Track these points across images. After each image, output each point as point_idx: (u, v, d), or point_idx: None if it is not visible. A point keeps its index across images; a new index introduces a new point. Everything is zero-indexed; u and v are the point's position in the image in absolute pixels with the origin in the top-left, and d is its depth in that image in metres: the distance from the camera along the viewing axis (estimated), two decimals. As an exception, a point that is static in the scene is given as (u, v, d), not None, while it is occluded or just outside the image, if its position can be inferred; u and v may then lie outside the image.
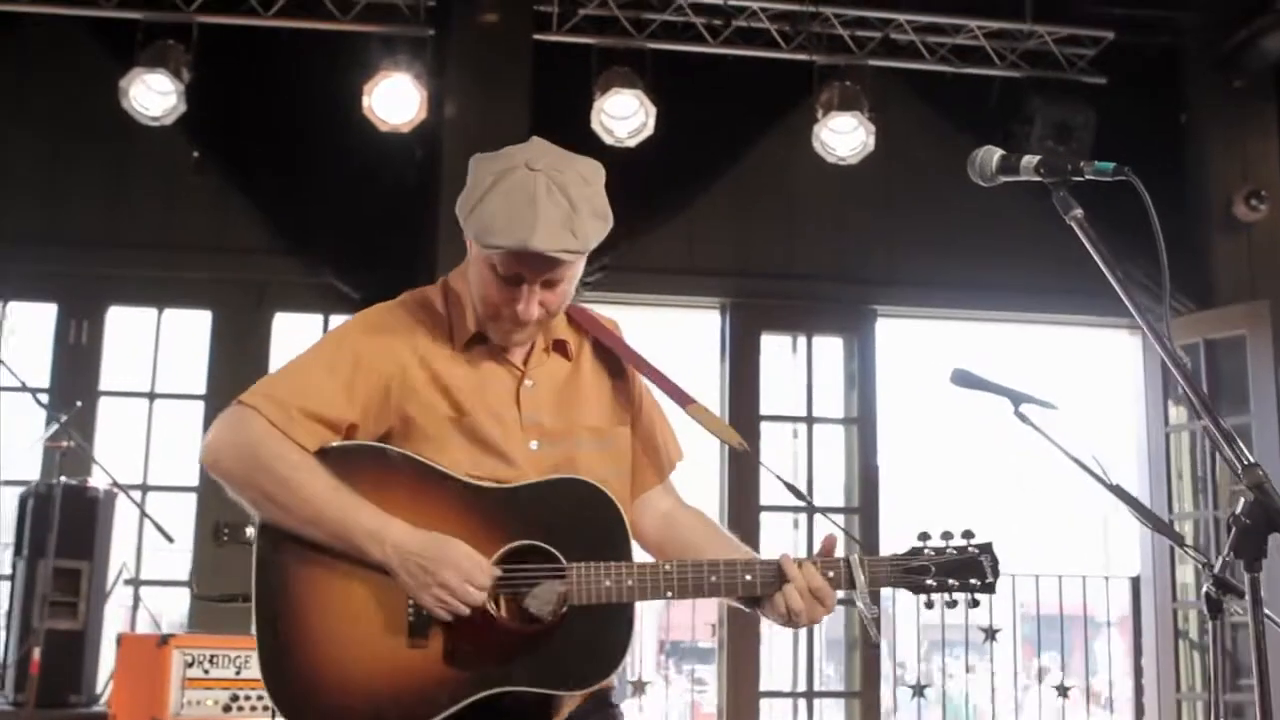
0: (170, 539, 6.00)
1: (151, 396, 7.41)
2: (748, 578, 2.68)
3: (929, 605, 2.74)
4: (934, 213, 7.82)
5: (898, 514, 7.78)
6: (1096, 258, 2.46)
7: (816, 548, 2.75)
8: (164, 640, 4.64)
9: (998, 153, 2.65)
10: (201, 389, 7.38)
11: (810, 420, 7.82)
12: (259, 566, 2.58)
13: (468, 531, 2.60)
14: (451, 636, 2.58)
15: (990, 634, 8.22)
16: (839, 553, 2.72)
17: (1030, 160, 2.58)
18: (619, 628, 2.64)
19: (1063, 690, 8.39)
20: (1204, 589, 2.77)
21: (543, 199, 2.59)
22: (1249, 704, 7.45)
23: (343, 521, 2.56)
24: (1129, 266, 6.92)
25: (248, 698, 4.73)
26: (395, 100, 6.94)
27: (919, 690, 8.25)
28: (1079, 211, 2.50)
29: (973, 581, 2.72)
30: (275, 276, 7.45)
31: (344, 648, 2.57)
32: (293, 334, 7.55)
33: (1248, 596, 2.19)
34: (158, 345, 7.46)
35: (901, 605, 8.92)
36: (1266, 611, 2.97)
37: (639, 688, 7.98)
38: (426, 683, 2.57)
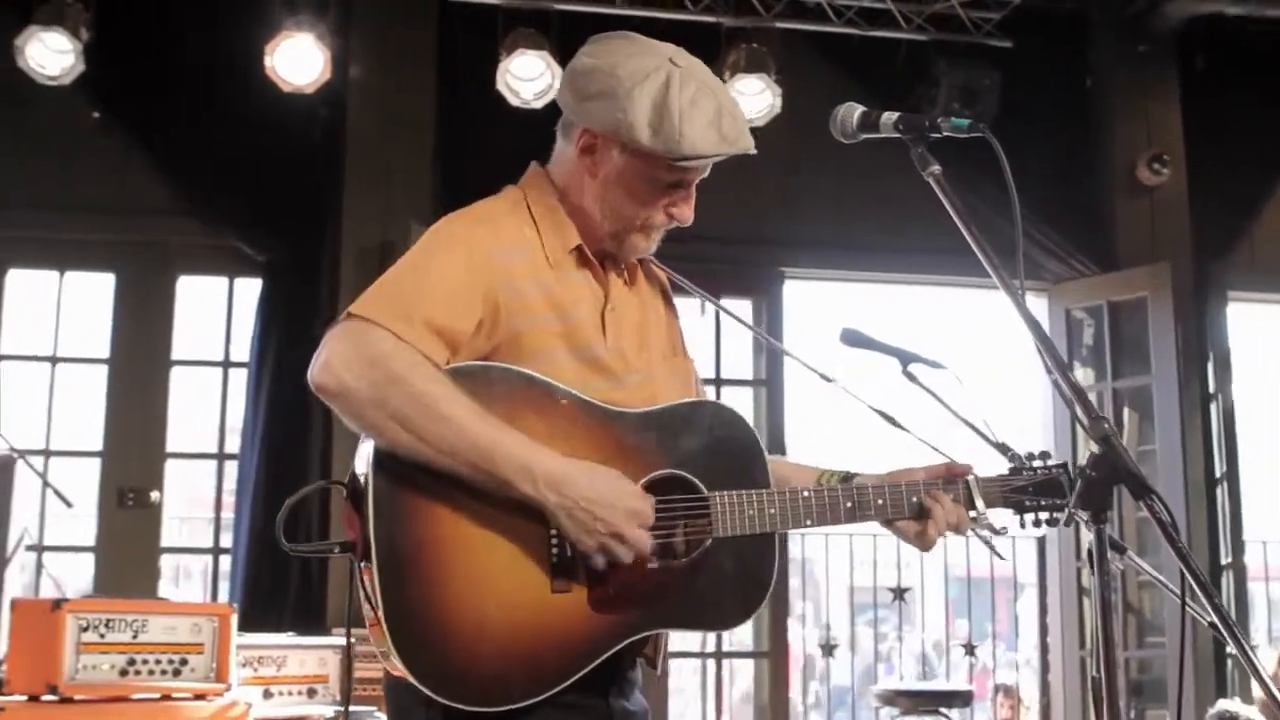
0: (69, 504, 5.91)
1: (54, 360, 7.29)
2: (879, 502, 2.68)
3: (1023, 525, 2.82)
4: (841, 175, 7.83)
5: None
6: (953, 214, 2.48)
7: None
8: (57, 605, 4.54)
9: (859, 109, 2.67)
10: (105, 352, 7.28)
11: (718, 382, 7.85)
12: (377, 507, 2.30)
13: (605, 458, 2.44)
14: (596, 578, 2.40)
15: (899, 594, 8.32)
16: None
17: (890, 117, 2.59)
18: (764, 558, 2.55)
19: (970, 649, 8.51)
20: (1086, 545, 2.83)
21: (725, 99, 2.56)
22: (1155, 659, 7.63)
23: (489, 450, 2.30)
24: (1031, 228, 7.02)
25: (145, 662, 4.66)
26: (298, 61, 6.83)
27: (828, 650, 8.34)
28: (936, 168, 2.51)
29: (1057, 501, 2.79)
30: (178, 238, 7.35)
31: (479, 595, 2.33)
32: (197, 296, 7.48)
33: (1094, 549, 2.22)
34: (59, 308, 7.34)
35: (819, 564, 8.98)
36: (1134, 558, 3.04)
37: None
38: (575, 630, 2.38)
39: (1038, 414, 8.20)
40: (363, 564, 2.34)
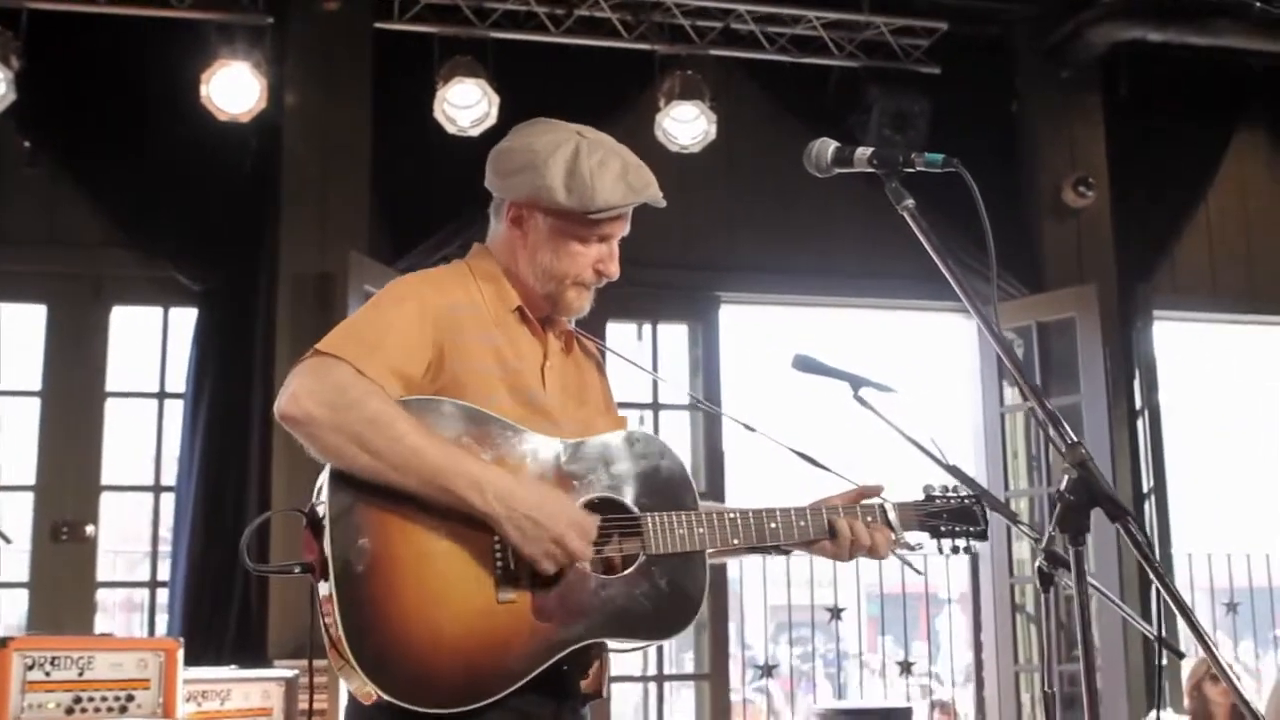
0: (8, 540, 5.84)
1: (-15, 393, 7.20)
2: (801, 524, 2.89)
3: (940, 550, 3.06)
4: (775, 200, 7.93)
5: (744, 498, 7.86)
6: (928, 247, 2.53)
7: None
8: (3, 643, 4.52)
9: (832, 145, 2.73)
10: (37, 385, 7.19)
11: (656, 407, 7.89)
12: (334, 524, 2.49)
13: (542, 480, 2.66)
14: (539, 590, 2.58)
15: (835, 613, 8.38)
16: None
17: (864, 152, 2.66)
18: (694, 575, 2.74)
19: (906, 667, 8.58)
20: (1036, 563, 2.89)
21: (629, 158, 2.84)
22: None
23: (441, 466, 2.50)
24: (962, 252, 7.12)
25: (90, 699, 4.63)
26: (234, 89, 6.81)
27: (766, 671, 8.38)
28: (910, 202, 2.57)
29: (970, 529, 3.06)
30: (112, 269, 7.26)
31: (431, 605, 2.50)
32: (131, 327, 7.40)
33: (1073, 569, 2.28)
34: (-10, 341, 7.25)
35: (748, 586, 9.02)
36: (1093, 581, 3.11)
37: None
38: (518, 638, 2.54)
39: (968, 437, 8.30)
40: (321, 583, 2.51)
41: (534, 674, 2.54)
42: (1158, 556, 8.00)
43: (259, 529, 6.86)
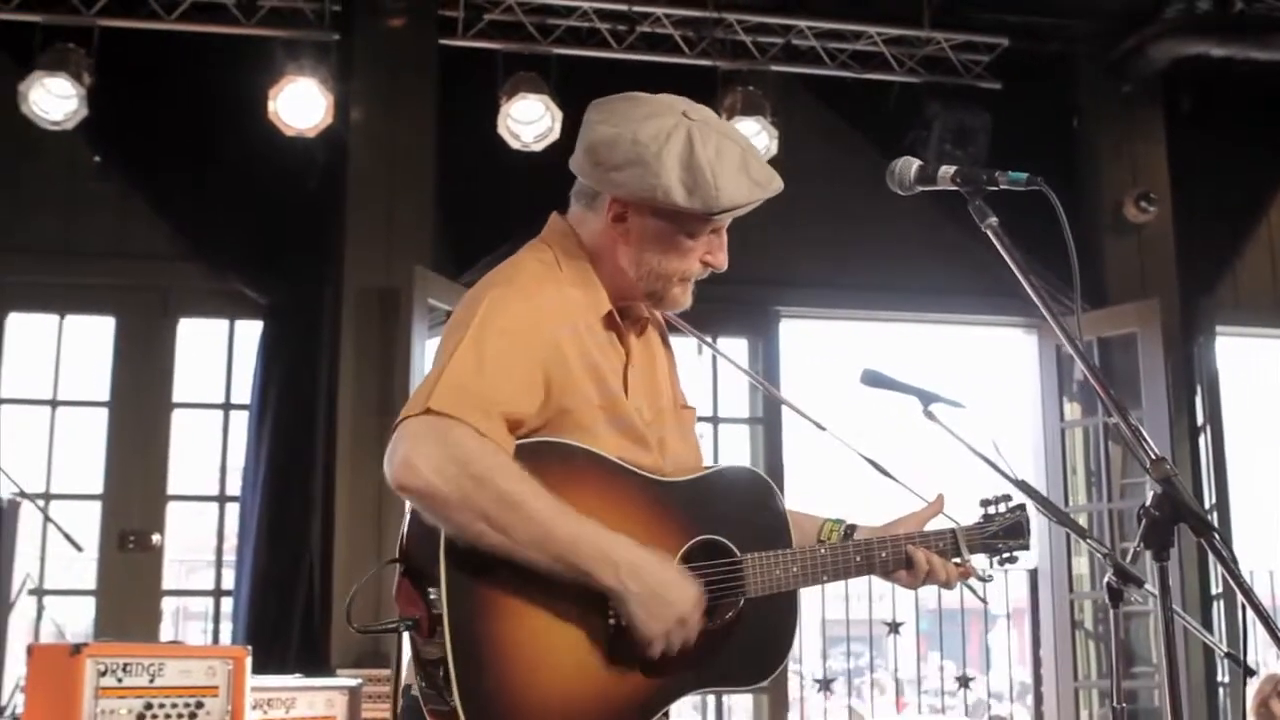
0: (79, 548, 5.93)
1: (54, 404, 7.30)
2: (883, 555, 2.83)
3: (991, 566, 3.00)
4: (835, 215, 7.94)
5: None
6: (1011, 264, 2.54)
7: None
8: (76, 649, 4.58)
9: (916, 163, 2.72)
10: (105, 395, 7.30)
11: (716, 420, 7.93)
12: (450, 589, 2.34)
13: (651, 526, 2.54)
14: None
15: (894, 628, 8.36)
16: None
17: (947, 171, 2.65)
18: (788, 615, 2.72)
19: (964, 681, 8.55)
20: (1105, 579, 2.89)
21: (744, 142, 2.62)
22: (1141, 689, 7.70)
23: (572, 544, 2.37)
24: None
25: (161, 705, 4.69)
26: (301, 105, 6.90)
27: (825, 685, 8.37)
28: (994, 220, 2.57)
29: (1022, 542, 2.99)
30: (179, 282, 7.38)
31: (548, 669, 2.41)
32: (198, 339, 7.51)
33: (1156, 585, 2.28)
34: (59, 352, 7.36)
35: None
36: (1185, 616, 3.10)
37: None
38: (630, 694, 2.48)
39: (1027, 452, 8.27)
40: (429, 641, 2.41)
41: None
42: (1220, 574, 7.95)
43: (322, 530, 6.99)
